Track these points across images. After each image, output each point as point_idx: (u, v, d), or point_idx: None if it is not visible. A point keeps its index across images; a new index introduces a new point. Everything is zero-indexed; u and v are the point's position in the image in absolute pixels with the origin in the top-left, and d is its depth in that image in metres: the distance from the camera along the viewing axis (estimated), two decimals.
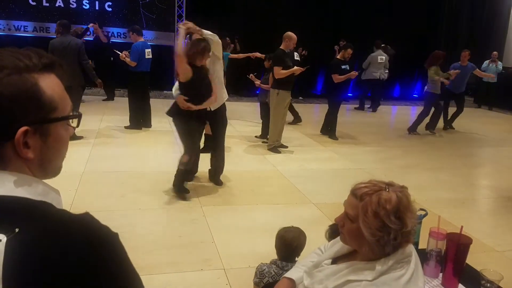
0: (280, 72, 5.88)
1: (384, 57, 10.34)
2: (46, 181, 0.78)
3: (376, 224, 1.24)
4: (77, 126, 0.82)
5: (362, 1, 11.97)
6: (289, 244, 2.27)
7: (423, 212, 1.77)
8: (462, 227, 1.62)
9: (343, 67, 7.07)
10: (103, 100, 9.49)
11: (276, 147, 6.23)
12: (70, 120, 0.80)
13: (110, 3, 10.92)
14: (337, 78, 7.03)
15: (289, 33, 6.03)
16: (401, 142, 7.53)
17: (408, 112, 11.51)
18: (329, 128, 7.41)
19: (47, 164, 0.77)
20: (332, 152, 6.50)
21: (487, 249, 3.58)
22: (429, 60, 7.91)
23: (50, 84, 0.74)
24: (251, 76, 7.01)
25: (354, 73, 7.05)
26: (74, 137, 5.85)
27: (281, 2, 11.61)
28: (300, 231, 2.38)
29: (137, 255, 0.55)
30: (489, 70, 11.62)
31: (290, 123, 8.04)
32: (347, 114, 10.11)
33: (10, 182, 0.70)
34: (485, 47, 13.14)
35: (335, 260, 1.46)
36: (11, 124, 0.70)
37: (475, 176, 5.92)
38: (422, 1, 12.50)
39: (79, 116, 0.81)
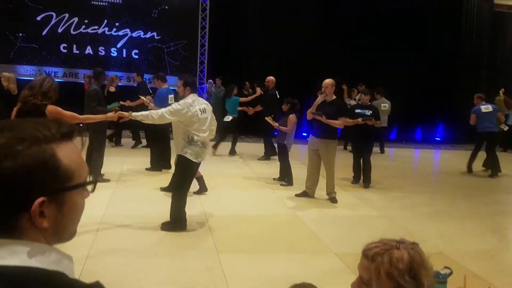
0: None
1: (387, 105, 10.11)
2: None
3: (390, 286, 1.19)
4: (93, 191, 0.82)
5: (381, 47, 12.12)
6: None
7: (448, 271, 1.67)
8: (490, 287, 1.52)
9: (357, 111, 6.92)
10: (132, 147, 9.34)
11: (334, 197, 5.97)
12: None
13: (136, 51, 11.42)
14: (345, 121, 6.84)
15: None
16: (425, 188, 7.32)
17: (430, 156, 11.30)
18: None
19: (61, 231, 0.78)
20: (354, 197, 6.36)
21: None
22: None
23: (67, 153, 0.75)
24: (269, 118, 7.07)
25: (359, 120, 6.66)
26: (101, 180, 6.06)
27: (298, 46, 11.86)
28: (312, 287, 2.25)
29: None
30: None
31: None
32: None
33: (24, 253, 0.71)
34: (508, 90, 12.98)
35: None
36: (28, 195, 0.71)
37: (504, 225, 5.66)
38: (441, 45, 12.56)
39: (94, 182, 0.82)
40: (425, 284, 1.19)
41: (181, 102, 4.44)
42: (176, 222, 4.50)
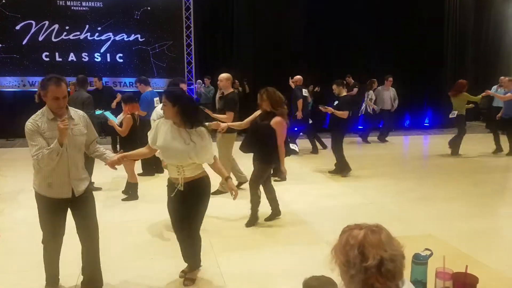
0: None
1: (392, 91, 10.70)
2: None
3: (343, 260, 1.32)
4: None
5: (365, 35, 12.18)
6: None
7: (428, 252, 1.73)
8: (467, 266, 1.59)
9: (335, 103, 7.17)
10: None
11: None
12: None
13: (121, 55, 11.36)
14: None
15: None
16: (414, 174, 7.42)
17: (419, 142, 11.43)
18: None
19: None
20: (345, 187, 6.44)
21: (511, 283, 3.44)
22: (457, 88, 8.54)
23: None
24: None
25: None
26: (93, 188, 5.96)
27: (287, 41, 11.87)
28: (329, 281, 2.26)
29: None
30: None
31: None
32: (358, 147, 10.10)
33: None
34: (493, 72, 13.18)
35: None
36: None
37: (492, 205, 5.76)
38: (425, 29, 12.64)
39: None
40: (369, 259, 1.28)
41: None
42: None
